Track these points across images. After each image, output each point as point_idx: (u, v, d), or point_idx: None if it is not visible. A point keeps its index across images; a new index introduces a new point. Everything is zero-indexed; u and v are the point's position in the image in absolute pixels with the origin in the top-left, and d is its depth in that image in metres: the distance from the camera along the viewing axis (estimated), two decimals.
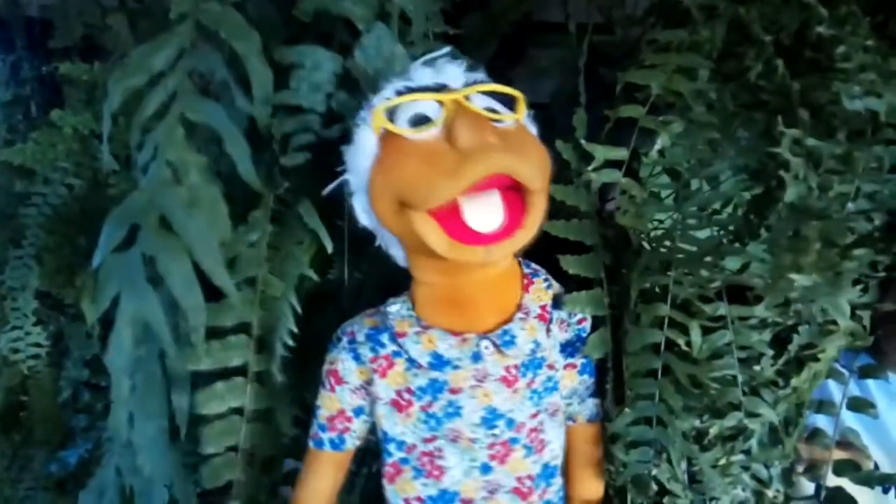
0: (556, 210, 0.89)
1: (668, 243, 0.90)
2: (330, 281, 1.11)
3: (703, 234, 0.88)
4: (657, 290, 0.90)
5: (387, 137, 0.77)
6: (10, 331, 1.33)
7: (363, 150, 0.78)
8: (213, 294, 0.87)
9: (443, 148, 0.73)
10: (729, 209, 0.93)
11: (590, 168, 0.91)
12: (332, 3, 0.91)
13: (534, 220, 0.77)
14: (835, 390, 0.97)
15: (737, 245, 0.87)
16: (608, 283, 0.93)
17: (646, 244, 0.93)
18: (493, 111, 0.78)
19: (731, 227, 0.89)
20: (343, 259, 1.07)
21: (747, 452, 0.85)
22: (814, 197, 0.78)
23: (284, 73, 0.93)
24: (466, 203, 0.73)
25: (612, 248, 0.95)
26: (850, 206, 0.80)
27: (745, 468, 0.86)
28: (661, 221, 0.93)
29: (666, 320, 0.87)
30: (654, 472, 0.86)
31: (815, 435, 0.93)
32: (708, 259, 0.85)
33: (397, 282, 0.90)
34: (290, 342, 0.97)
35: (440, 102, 0.76)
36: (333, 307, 1.10)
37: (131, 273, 0.83)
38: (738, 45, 0.89)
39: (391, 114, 0.77)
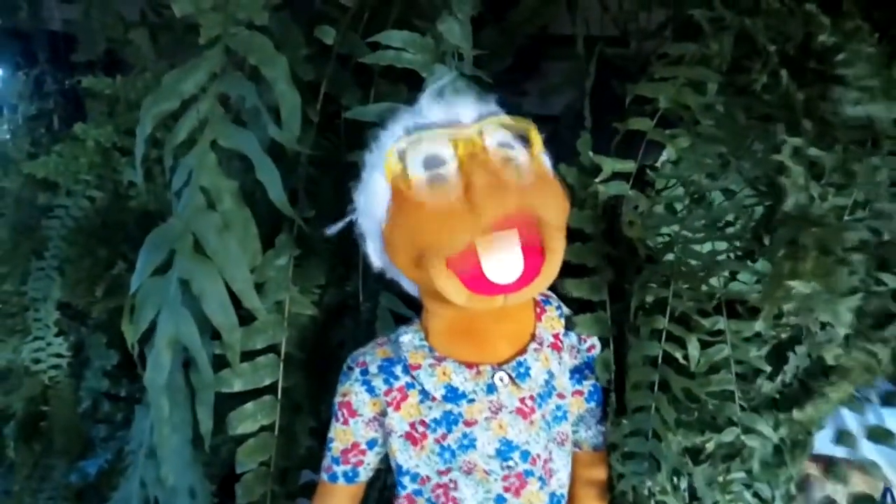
0: None
1: (667, 256, 0.90)
2: (346, 292, 1.12)
3: (705, 247, 0.88)
4: (657, 303, 0.90)
5: (400, 184, 0.75)
6: (32, 341, 1.35)
7: (375, 197, 0.77)
8: (240, 318, 0.89)
9: (457, 202, 0.71)
10: (741, 222, 0.93)
11: (597, 180, 0.92)
12: (395, 58, 0.93)
13: (553, 266, 0.77)
14: (848, 415, 0.95)
15: (739, 259, 0.87)
16: (612, 300, 0.93)
17: (650, 256, 0.93)
18: (507, 145, 0.77)
19: (739, 242, 0.89)
20: (359, 271, 1.08)
21: (749, 471, 0.85)
22: (814, 206, 0.77)
23: (339, 122, 0.96)
24: (484, 252, 0.72)
25: (617, 264, 0.95)
26: (847, 216, 0.79)
27: (747, 486, 0.86)
28: (669, 235, 0.93)
29: (664, 334, 0.87)
30: (648, 483, 0.85)
31: (832, 464, 0.91)
32: (706, 273, 0.85)
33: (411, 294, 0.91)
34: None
35: (453, 143, 0.74)
36: (350, 318, 1.11)
37: (169, 296, 0.86)
38: (746, 57, 0.90)
39: (402, 155, 0.75)
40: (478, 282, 0.73)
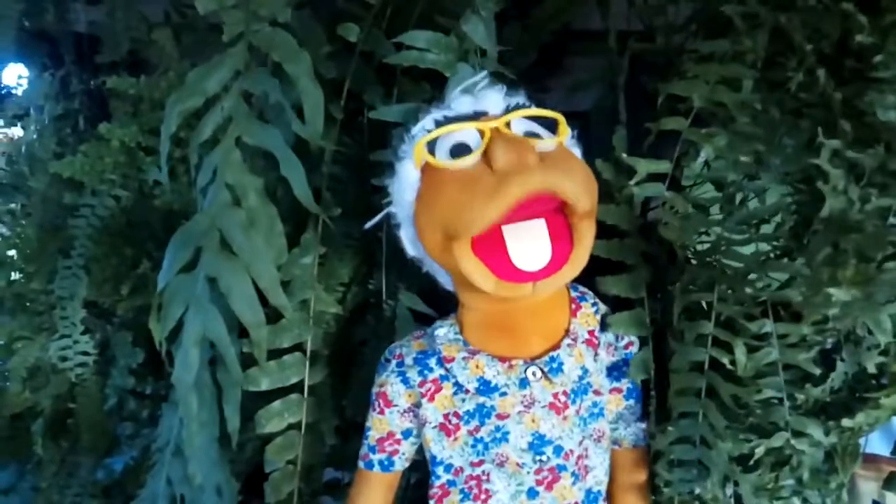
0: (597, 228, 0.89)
1: (709, 259, 0.87)
2: (370, 291, 1.11)
3: (748, 249, 0.86)
4: (700, 307, 0.88)
5: (428, 170, 0.77)
6: (59, 339, 1.36)
7: (406, 184, 0.79)
8: (266, 316, 0.89)
9: (481, 172, 0.73)
10: (777, 220, 0.91)
11: (632, 182, 0.90)
12: (418, 58, 0.93)
13: (582, 254, 0.77)
14: None
15: (783, 260, 0.85)
16: (650, 300, 0.91)
17: (690, 259, 0.91)
18: (534, 134, 0.78)
19: (778, 241, 0.87)
20: (382, 269, 1.08)
21: (799, 479, 0.83)
22: (854, 210, 0.75)
23: (363, 121, 0.96)
24: (511, 237, 0.72)
25: (655, 263, 0.94)
26: (892, 219, 0.77)
27: (797, 493, 0.84)
28: (707, 235, 0.91)
29: (710, 338, 0.85)
30: (697, 491, 0.84)
31: (892, 480, 0.89)
32: (752, 276, 0.83)
33: (435, 291, 0.90)
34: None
35: (480, 131, 0.75)
36: (374, 316, 1.11)
37: (196, 293, 0.87)
38: (781, 54, 0.88)
39: (432, 146, 0.77)
40: (505, 268, 0.73)
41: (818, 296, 0.74)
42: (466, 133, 0.76)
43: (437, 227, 0.76)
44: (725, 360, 0.83)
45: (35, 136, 1.54)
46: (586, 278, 0.88)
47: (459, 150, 0.75)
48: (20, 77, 1.68)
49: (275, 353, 0.96)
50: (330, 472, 1.12)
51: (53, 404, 1.46)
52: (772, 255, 0.86)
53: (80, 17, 1.58)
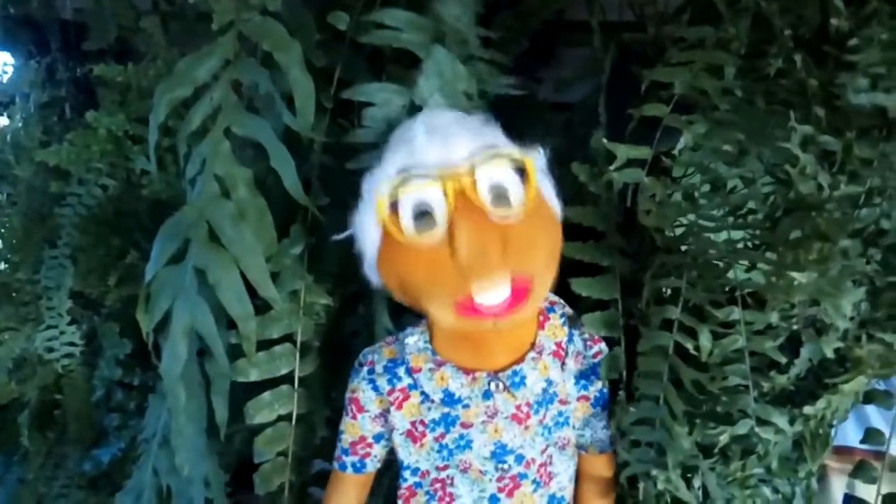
0: (573, 228, 0.89)
1: (681, 245, 0.88)
2: (360, 281, 1.11)
3: (720, 236, 0.86)
4: (671, 292, 0.88)
5: (390, 227, 0.74)
6: (45, 330, 1.35)
7: (367, 237, 0.78)
8: (255, 307, 0.89)
9: (443, 256, 0.71)
10: (764, 211, 0.90)
11: (612, 167, 0.90)
12: (391, 37, 0.91)
13: (541, 290, 0.77)
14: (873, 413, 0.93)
15: (757, 249, 0.85)
16: (629, 293, 0.92)
17: (669, 245, 0.91)
18: (500, 187, 0.73)
19: (752, 230, 0.87)
20: None
21: (768, 468, 0.83)
22: (823, 194, 0.76)
23: (353, 110, 0.94)
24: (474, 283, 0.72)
25: (636, 257, 0.94)
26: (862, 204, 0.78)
27: (766, 482, 0.85)
28: (686, 225, 0.91)
29: (676, 323, 0.86)
30: (654, 472, 0.84)
31: (861, 468, 0.89)
32: (721, 263, 0.83)
33: None
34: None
35: (443, 186, 0.72)
36: (364, 307, 1.11)
37: (184, 285, 0.86)
38: (766, 41, 0.88)
39: (393, 201, 0.73)
40: (465, 307, 0.73)
41: (782, 279, 0.74)
42: (430, 193, 0.72)
43: (397, 285, 0.78)
44: (689, 346, 0.84)
45: (20, 125, 1.53)
46: (561, 278, 0.87)
47: (422, 209, 0.72)
48: (5, 65, 1.67)
49: (264, 344, 0.96)
50: (320, 463, 1.11)
51: (40, 395, 1.46)
52: (748, 244, 0.86)
53: (66, 4, 1.57)
